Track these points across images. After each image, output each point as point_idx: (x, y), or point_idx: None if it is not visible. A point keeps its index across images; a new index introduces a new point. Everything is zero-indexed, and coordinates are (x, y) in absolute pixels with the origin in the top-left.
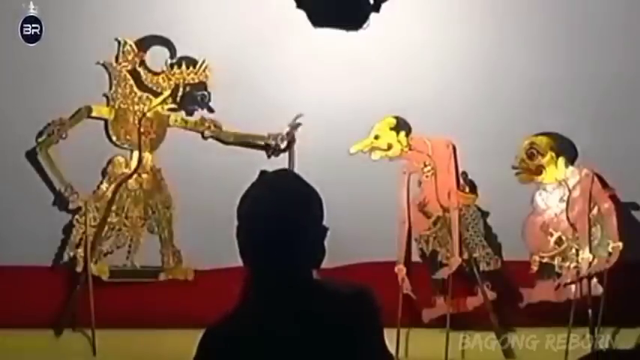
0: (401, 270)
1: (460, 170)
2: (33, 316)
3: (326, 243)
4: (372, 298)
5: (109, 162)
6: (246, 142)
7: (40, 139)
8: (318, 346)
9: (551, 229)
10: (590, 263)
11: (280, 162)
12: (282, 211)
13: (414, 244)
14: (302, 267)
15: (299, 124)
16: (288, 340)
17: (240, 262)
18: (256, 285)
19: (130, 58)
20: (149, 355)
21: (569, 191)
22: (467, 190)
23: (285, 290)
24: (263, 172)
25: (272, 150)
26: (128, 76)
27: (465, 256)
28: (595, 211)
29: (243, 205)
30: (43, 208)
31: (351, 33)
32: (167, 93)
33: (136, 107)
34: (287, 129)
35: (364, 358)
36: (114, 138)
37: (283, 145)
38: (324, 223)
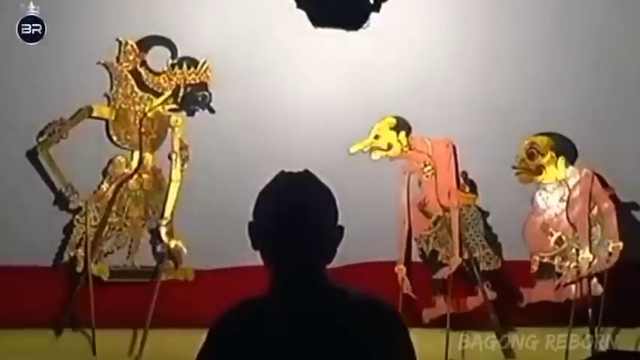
0: (401, 270)
1: (460, 170)
2: (33, 316)
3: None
4: (391, 317)
5: (110, 162)
6: None
7: (40, 139)
8: (325, 350)
9: (551, 229)
10: (590, 263)
11: (281, 163)
12: (301, 210)
13: (414, 244)
14: (319, 266)
15: None
16: (298, 338)
17: (240, 262)
18: (274, 281)
19: (131, 58)
20: (149, 355)
21: (569, 191)
22: (467, 190)
23: (301, 289)
24: (281, 173)
25: None
26: (129, 76)
27: (465, 256)
28: (595, 211)
29: (261, 203)
30: (43, 208)
31: (351, 33)
32: (168, 93)
33: (137, 107)
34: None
35: None
36: (114, 138)
37: None
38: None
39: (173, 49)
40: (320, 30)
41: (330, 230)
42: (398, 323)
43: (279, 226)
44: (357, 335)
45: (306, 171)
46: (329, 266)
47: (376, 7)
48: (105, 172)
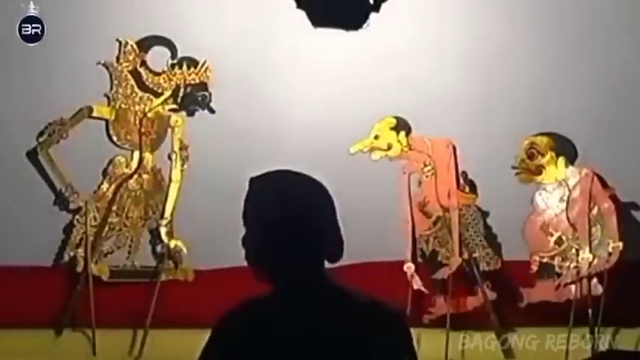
0: (410, 267)
1: (460, 170)
2: (33, 316)
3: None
4: (395, 318)
5: (110, 162)
6: None
7: (40, 139)
8: (328, 350)
9: (551, 229)
10: (590, 263)
11: (280, 163)
12: (293, 210)
13: None
14: (322, 265)
15: None
16: (301, 338)
17: (240, 262)
18: (277, 281)
19: (131, 58)
20: (149, 355)
21: (569, 191)
22: (467, 190)
23: (304, 288)
24: (252, 180)
25: None
26: (129, 76)
27: (465, 256)
28: (595, 211)
29: (253, 212)
30: (43, 208)
31: (351, 33)
32: (168, 93)
33: (137, 107)
34: None
35: None
36: (114, 138)
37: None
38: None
39: (173, 49)
40: (320, 30)
41: (331, 227)
42: (401, 325)
43: (281, 231)
44: (360, 336)
45: (282, 170)
46: (329, 266)
47: (376, 7)
48: (105, 172)
